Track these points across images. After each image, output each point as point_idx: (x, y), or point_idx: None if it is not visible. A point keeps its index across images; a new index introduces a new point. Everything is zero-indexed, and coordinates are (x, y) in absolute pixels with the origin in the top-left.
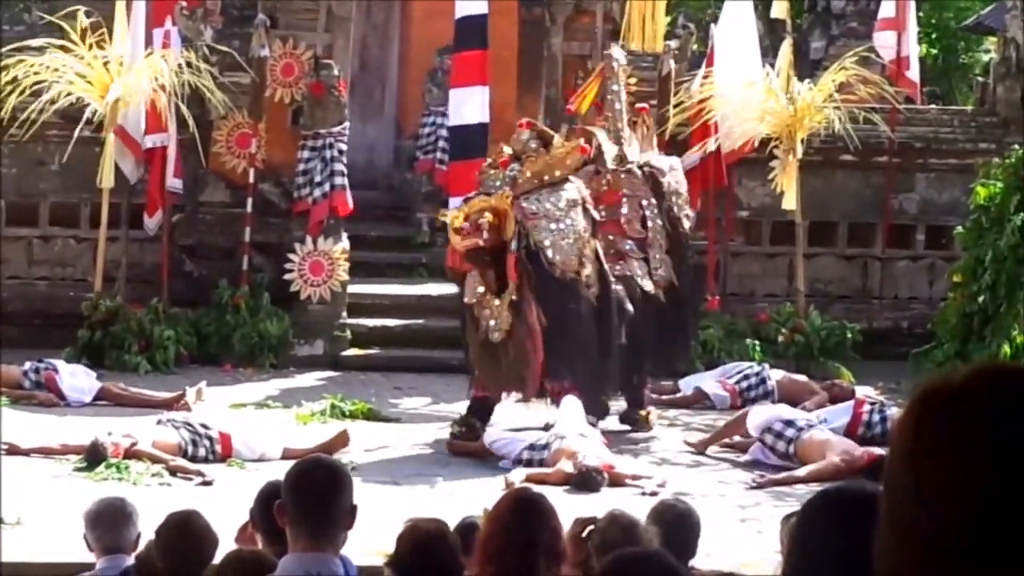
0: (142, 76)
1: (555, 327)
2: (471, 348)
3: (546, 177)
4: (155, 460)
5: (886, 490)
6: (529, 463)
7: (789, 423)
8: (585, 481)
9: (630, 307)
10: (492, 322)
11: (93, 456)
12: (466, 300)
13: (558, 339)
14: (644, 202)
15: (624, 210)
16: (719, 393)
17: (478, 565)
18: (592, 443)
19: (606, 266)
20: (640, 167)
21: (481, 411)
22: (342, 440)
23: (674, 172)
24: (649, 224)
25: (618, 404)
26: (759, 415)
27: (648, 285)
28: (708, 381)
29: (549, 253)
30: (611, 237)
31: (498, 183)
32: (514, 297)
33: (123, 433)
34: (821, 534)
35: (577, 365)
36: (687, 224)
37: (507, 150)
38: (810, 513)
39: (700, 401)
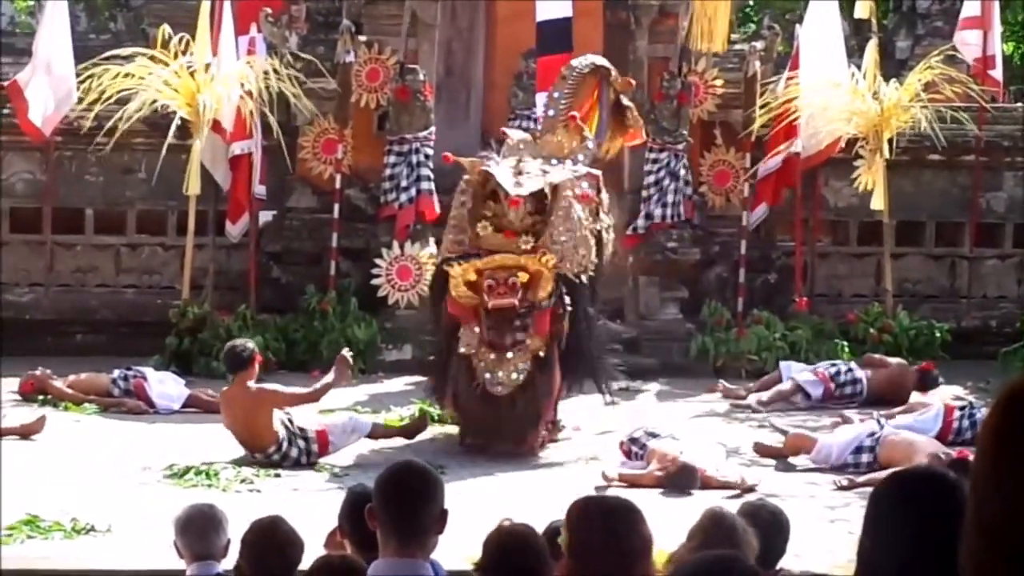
0: (230, 83)
1: (584, 334)
2: (462, 398)
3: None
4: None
5: (972, 485)
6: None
7: (866, 441)
8: (681, 477)
9: None
10: (488, 375)
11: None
12: (462, 351)
13: (586, 343)
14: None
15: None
16: (812, 381)
17: (564, 570)
18: (685, 444)
19: None
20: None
21: None
22: (423, 422)
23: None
24: None
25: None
26: (831, 446)
27: None
28: (804, 373)
29: (583, 275)
30: None
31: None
32: (542, 353)
33: None
34: (892, 512)
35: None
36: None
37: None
38: (882, 492)
39: (796, 393)
